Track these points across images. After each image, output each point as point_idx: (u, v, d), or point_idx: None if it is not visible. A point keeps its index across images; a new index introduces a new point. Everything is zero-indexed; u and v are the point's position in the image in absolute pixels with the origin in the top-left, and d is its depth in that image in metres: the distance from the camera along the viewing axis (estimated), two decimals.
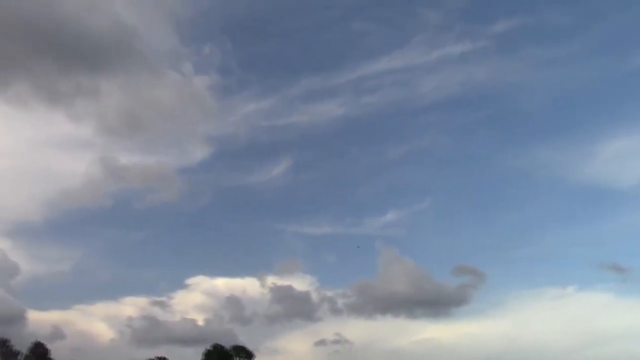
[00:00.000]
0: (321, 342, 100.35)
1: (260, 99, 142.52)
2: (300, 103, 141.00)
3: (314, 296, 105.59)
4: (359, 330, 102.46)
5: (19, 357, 72.07)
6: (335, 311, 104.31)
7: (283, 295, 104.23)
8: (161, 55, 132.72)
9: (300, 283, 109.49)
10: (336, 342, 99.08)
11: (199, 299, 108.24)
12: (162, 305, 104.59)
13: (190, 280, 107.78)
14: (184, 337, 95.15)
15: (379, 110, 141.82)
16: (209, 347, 79.82)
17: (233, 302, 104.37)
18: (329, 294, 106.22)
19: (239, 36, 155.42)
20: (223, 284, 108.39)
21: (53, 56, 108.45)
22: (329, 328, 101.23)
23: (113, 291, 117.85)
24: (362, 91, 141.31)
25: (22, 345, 72.59)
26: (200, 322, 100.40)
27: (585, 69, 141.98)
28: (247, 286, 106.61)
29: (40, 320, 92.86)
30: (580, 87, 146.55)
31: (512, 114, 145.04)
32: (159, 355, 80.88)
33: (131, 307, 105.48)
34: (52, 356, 74.56)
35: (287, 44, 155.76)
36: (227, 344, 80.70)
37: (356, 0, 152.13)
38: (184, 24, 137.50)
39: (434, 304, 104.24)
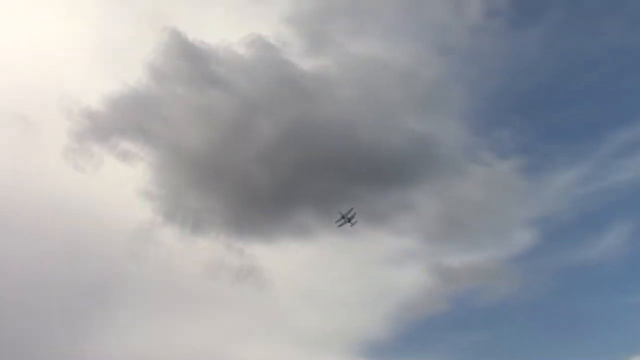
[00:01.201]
0: None
1: (570, 167, 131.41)
2: (616, 160, 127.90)
3: None
4: None
5: None
6: None
7: None
8: (460, 152, 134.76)
9: None
10: None
11: None
12: None
13: None
14: None
15: None
16: None
17: None
18: None
19: (531, 110, 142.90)
20: None
21: (366, 181, 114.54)
22: None
23: None
24: None
25: None
26: None
27: None
28: None
29: None
30: None
31: None
32: None
33: None
34: None
35: (583, 104, 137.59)
36: None
37: None
38: (473, 116, 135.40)
39: None
